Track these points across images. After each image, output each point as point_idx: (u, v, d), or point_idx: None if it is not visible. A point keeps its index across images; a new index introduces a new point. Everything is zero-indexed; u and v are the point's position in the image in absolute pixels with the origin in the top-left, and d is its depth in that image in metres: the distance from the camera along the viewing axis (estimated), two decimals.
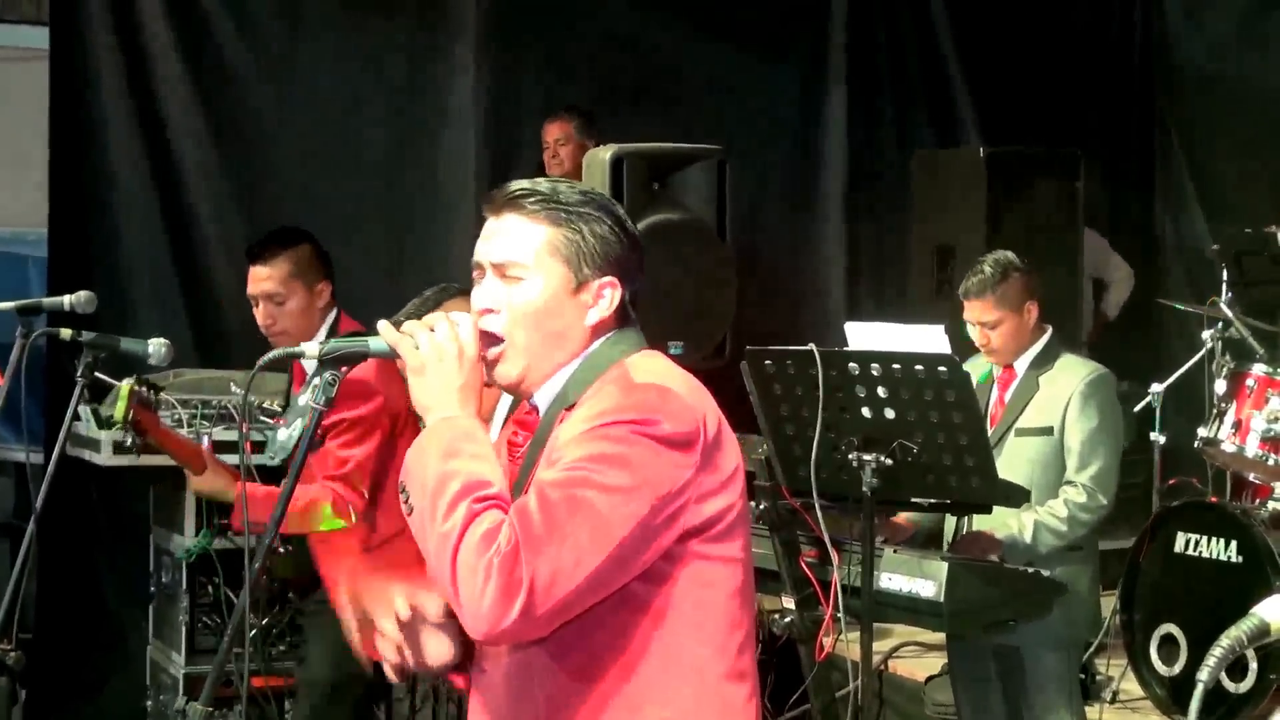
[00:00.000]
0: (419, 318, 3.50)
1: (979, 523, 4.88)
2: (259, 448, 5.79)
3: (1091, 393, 4.94)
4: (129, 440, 4.35)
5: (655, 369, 2.51)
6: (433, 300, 4.06)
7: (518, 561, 2.30)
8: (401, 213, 7.71)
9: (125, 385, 4.33)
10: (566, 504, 2.34)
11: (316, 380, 4.60)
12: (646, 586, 2.43)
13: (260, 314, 4.76)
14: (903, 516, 5.04)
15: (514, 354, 2.52)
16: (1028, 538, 4.82)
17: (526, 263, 2.51)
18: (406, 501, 2.42)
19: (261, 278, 4.76)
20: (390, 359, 2.53)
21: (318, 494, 4.58)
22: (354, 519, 4.63)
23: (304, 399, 4.67)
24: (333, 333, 4.73)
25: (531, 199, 2.53)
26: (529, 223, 2.53)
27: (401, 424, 4.74)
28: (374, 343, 2.54)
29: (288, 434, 4.69)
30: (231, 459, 5.39)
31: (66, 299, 4.49)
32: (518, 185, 2.56)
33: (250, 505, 4.55)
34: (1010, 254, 5.09)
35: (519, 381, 2.55)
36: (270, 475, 4.88)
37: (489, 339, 2.52)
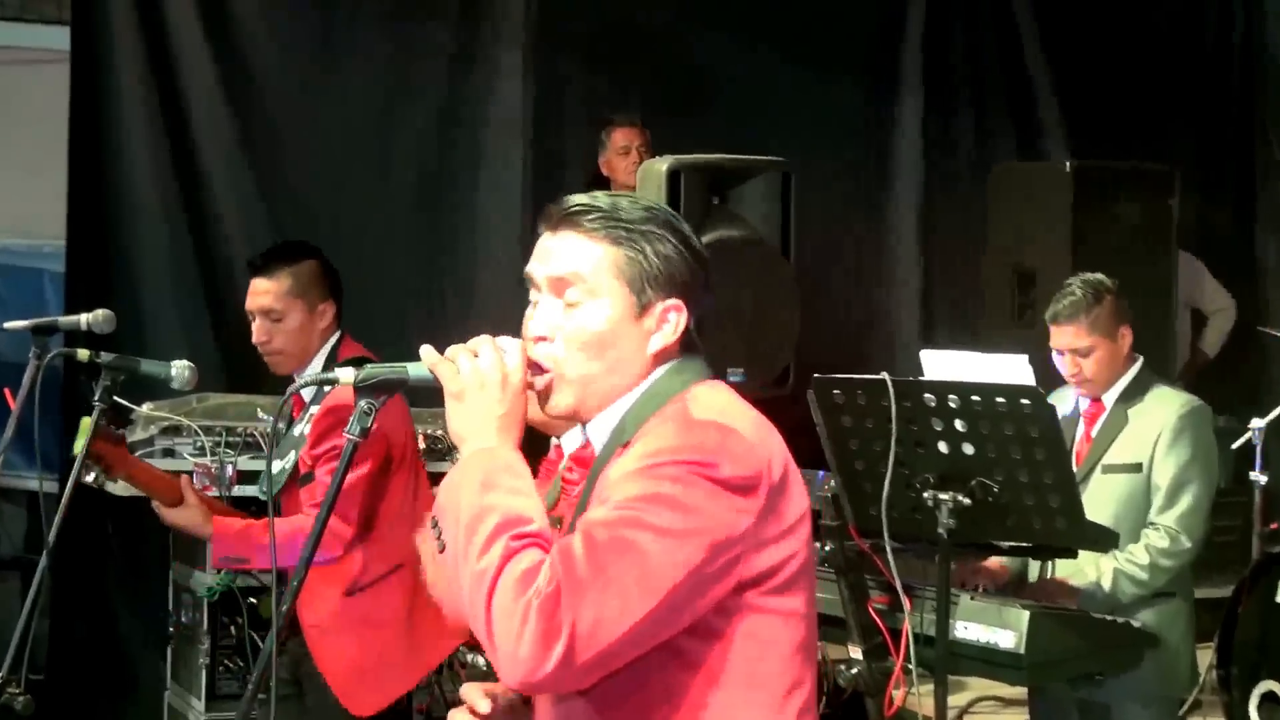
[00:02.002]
0: None
1: (1066, 569, 4.84)
2: (247, 478, 5.82)
3: (1185, 426, 4.91)
4: (92, 476, 4.36)
5: (717, 403, 2.48)
6: None
7: (559, 605, 2.28)
8: (441, 230, 7.72)
9: (85, 420, 4.32)
10: (613, 546, 2.32)
11: (315, 410, 4.62)
12: (698, 642, 2.41)
13: (256, 330, 4.77)
14: (996, 561, 5.01)
15: (565, 385, 2.51)
16: (1107, 586, 4.79)
17: (589, 280, 2.49)
18: (439, 537, 2.41)
19: (260, 291, 4.77)
20: (430, 386, 2.51)
21: (301, 523, 4.56)
22: (340, 551, 4.61)
23: (297, 429, 4.71)
24: (333, 358, 4.73)
25: (591, 215, 2.51)
26: (588, 241, 2.51)
27: (398, 458, 4.73)
28: (413, 369, 2.53)
29: (280, 466, 4.72)
30: (254, 490, 5.41)
31: (84, 317, 4.51)
32: (576, 200, 2.54)
33: (223, 542, 4.57)
34: (1101, 275, 5.07)
35: (574, 411, 2.54)
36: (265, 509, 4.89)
37: (538, 369, 2.51)
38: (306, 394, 4.75)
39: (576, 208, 2.53)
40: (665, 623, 2.35)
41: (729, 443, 2.40)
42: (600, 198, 2.54)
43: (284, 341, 4.75)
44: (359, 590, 4.72)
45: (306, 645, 4.81)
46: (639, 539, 2.32)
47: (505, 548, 2.32)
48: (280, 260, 4.80)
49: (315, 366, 4.75)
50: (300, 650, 4.88)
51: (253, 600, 5.96)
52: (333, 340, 4.81)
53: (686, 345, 2.54)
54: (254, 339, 4.78)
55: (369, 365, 2.57)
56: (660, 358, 2.52)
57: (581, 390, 2.51)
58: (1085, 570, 4.80)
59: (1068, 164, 7.22)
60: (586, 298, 2.49)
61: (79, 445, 4.28)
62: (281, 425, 4.81)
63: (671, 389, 2.50)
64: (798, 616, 2.48)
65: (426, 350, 2.52)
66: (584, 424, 2.57)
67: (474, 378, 2.45)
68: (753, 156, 5.07)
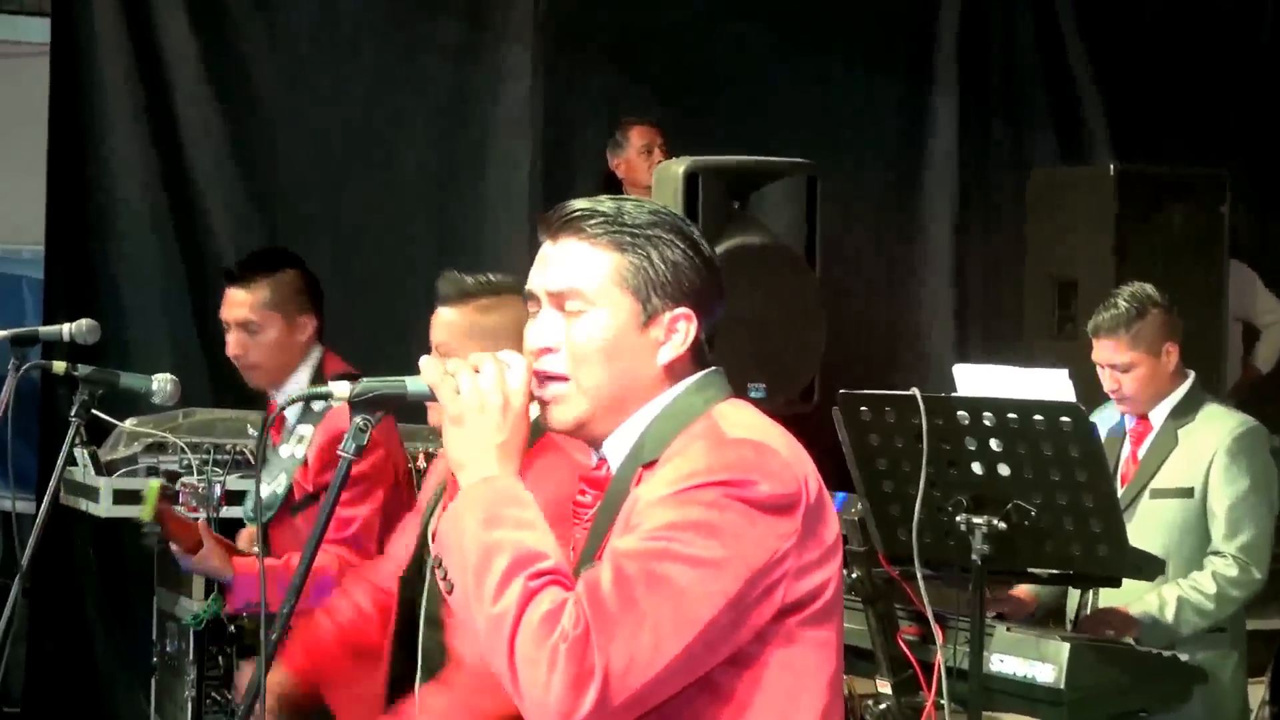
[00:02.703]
0: (465, 297, 3.57)
1: (1110, 598, 4.83)
2: (236, 498, 5.82)
3: (1240, 449, 4.90)
4: (153, 539, 4.42)
5: (748, 421, 2.48)
6: (488, 287, 3.74)
7: (588, 647, 2.27)
8: (446, 236, 7.74)
9: (153, 484, 4.43)
10: (645, 579, 2.30)
11: (303, 430, 4.62)
12: (730, 671, 2.39)
13: (231, 342, 4.78)
14: (1023, 589, 5.00)
15: (575, 396, 2.49)
16: (1169, 616, 4.77)
17: (588, 294, 2.48)
18: (445, 578, 2.39)
19: (235, 302, 4.77)
20: (429, 401, 2.50)
21: (323, 562, 4.50)
22: None
23: (285, 449, 4.70)
24: (317, 374, 4.73)
25: (593, 221, 2.50)
26: (590, 248, 2.50)
27: (392, 480, 4.72)
28: (411, 383, 2.52)
29: (270, 490, 4.72)
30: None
31: (66, 328, 4.51)
32: (577, 205, 2.53)
33: (246, 585, 4.56)
34: (1149, 287, 5.07)
35: (578, 427, 2.52)
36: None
37: (546, 379, 2.49)
38: (290, 413, 4.75)
39: (577, 213, 2.52)
40: (703, 657, 2.35)
41: (766, 461, 2.39)
42: (604, 201, 2.53)
43: (260, 355, 4.75)
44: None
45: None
46: (671, 572, 2.31)
47: (523, 589, 2.31)
48: (258, 270, 4.80)
49: (296, 382, 4.75)
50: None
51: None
52: (315, 356, 4.80)
53: (698, 356, 2.54)
54: (228, 351, 4.79)
55: (364, 379, 2.55)
56: (672, 369, 2.51)
57: (590, 404, 2.49)
58: (1146, 598, 4.78)
59: (1111, 168, 7.22)
60: (590, 307, 2.48)
61: (146, 512, 4.43)
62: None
63: (694, 407, 2.49)
64: (830, 648, 2.48)
65: (427, 362, 2.51)
66: (588, 442, 2.56)
67: (473, 399, 2.44)
68: (776, 159, 5.06)
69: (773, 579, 2.37)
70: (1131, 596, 4.78)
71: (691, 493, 2.35)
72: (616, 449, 2.53)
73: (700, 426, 2.45)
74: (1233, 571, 4.84)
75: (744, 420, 2.48)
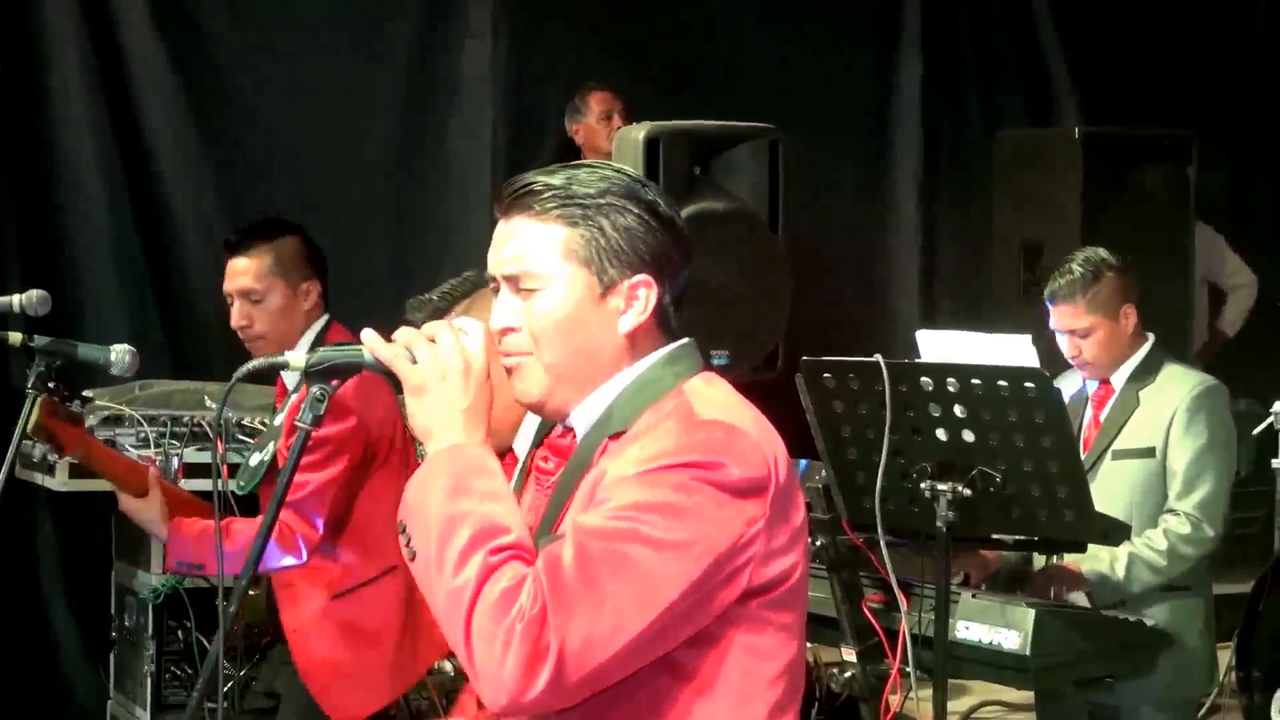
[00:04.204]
0: (439, 314, 3.52)
1: (1071, 557, 4.87)
2: (195, 471, 5.82)
3: (1199, 407, 4.94)
4: (39, 454, 4.34)
5: (719, 400, 2.48)
6: (455, 293, 3.90)
7: (544, 625, 2.28)
8: (408, 201, 7.74)
9: (39, 398, 4.31)
10: (608, 560, 2.32)
11: (294, 398, 4.63)
12: (693, 652, 2.41)
13: (235, 313, 4.78)
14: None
15: (535, 369, 2.50)
16: (1120, 573, 4.81)
17: (540, 272, 2.49)
18: (408, 544, 2.40)
19: (238, 271, 4.78)
20: (386, 373, 2.51)
21: None
22: (304, 556, 4.60)
23: (279, 419, 4.71)
24: (319, 341, 4.73)
25: (542, 196, 2.50)
26: (539, 224, 2.50)
27: (382, 455, 4.73)
28: (370, 353, 2.52)
29: (259, 459, 4.72)
30: (205, 484, 5.40)
31: (16, 299, 4.51)
32: (526, 180, 2.53)
33: (179, 545, 4.57)
34: (1102, 250, 5.09)
35: (542, 401, 2.53)
36: (248, 507, 4.89)
37: (509, 357, 2.51)
38: (289, 381, 4.76)
39: (524, 188, 2.52)
40: (662, 638, 2.36)
41: (736, 443, 2.40)
42: (556, 173, 2.52)
43: (266, 324, 4.75)
44: (346, 594, 4.74)
45: (290, 654, 4.83)
46: (635, 553, 2.32)
47: (483, 564, 2.32)
48: (259, 237, 4.81)
49: (300, 350, 4.75)
50: (281, 659, 4.90)
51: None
52: (320, 324, 4.81)
53: (664, 322, 2.54)
54: (233, 323, 4.79)
55: (321, 349, 2.56)
56: (635, 338, 2.51)
57: (552, 377, 2.50)
58: (1099, 554, 4.82)
59: (1077, 130, 7.25)
60: (542, 285, 2.49)
61: (31, 422, 4.27)
62: (263, 415, 4.80)
63: (664, 380, 2.50)
64: (793, 630, 2.50)
65: (370, 336, 2.51)
66: (556, 417, 2.57)
67: (434, 368, 2.45)
68: (739, 123, 5.07)
69: (737, 563, 2.38)
70: (1085, 554, 4.82)
71: (660, 474, 2.36)
72: (583, 418, 2.53)
73: (671, 404, 2.46)
74: (1185, 529, 4.87)
75: (715, 399, 2.48)
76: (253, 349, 4.77)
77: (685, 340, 2.56)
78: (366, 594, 4.74)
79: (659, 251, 2.53)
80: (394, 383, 2.49)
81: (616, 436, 2.46)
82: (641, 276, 2.51)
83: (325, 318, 4.85)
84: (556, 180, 2.51)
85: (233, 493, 4.75)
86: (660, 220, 2.53)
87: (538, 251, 2.49)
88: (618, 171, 2.56)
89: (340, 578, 4.73)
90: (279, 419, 4.72)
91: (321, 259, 4.89)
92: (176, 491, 4.84)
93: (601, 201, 2.50)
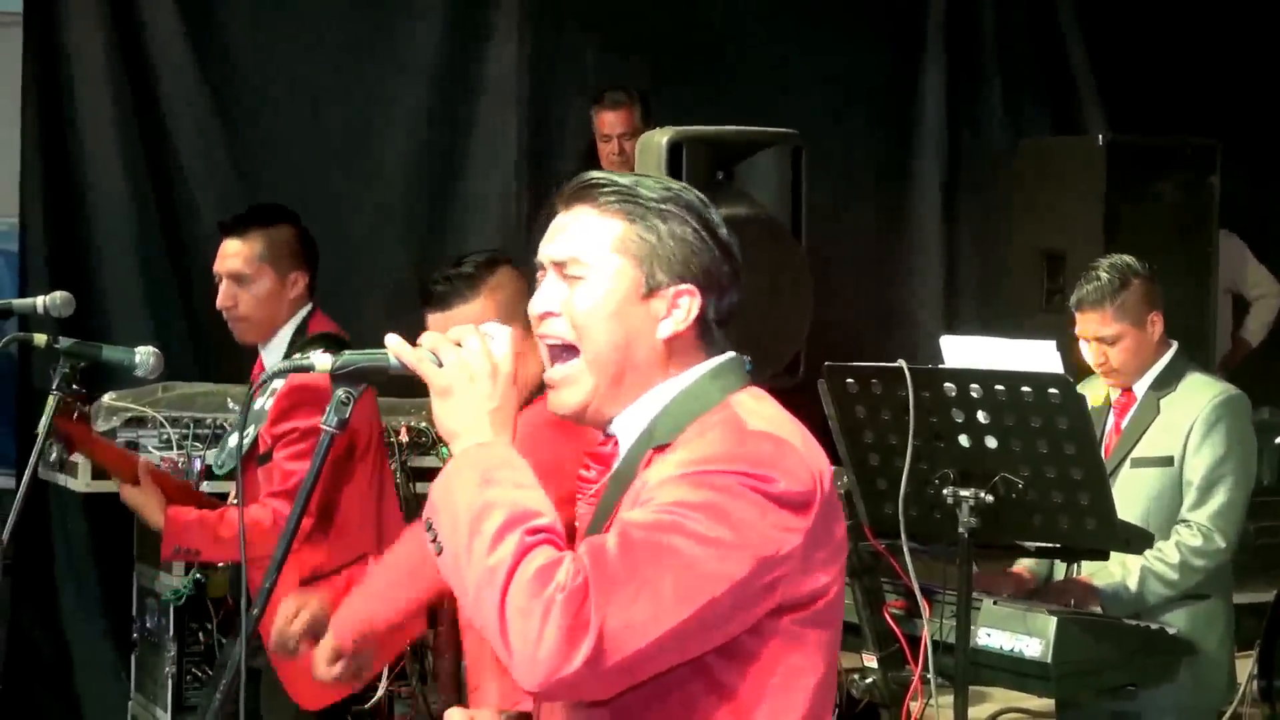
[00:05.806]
0: (468, 281, 3.51)
1: (1085, 570, 4.87)
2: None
3: (1218, 417, 4.94)
4: (54, 455, 4.37)
5: (767, 414, 2.49)
6: (472, 275, 3.79)
7: (585, 600, 2.26)
8: (431, 204, 7.74)
9: (51, 397, 4.35)
10: (650, 549, 2.31)
11: (276, 384, 4.66)
12: (726, 663, 2.41)
13: (221, 293, 4.83)
14: (1024, 565, 5.03)
15: (582, 374, 2.50)
16: (1133, 586, 4.82)
17: (589, 260, 2.50)
18: (434, 540, 2.39)
19: (229, 253, 4.83)
20: (412, 376, 2.51)
21: (257, 514, 4.59)
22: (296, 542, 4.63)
23: (259, 403, 4.75)
24: (302, 330, 4.80)
25: (605, 189, 2.53)
26: (600, 217, 2.52)
27: (362, 447, 4.77)
28: (395, 357, 2.52)
29: (238, 439, 4.76)
30: (227, 486, 5.42)
31: (40, 300, 4.54)
32: (594, 175, 2.56)
33: (175, 531, 4.61)
34: (1129, 257, 5.09)
35: (584, 407, 2.53)
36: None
37: (557, 352, 2.52)
38: (267, 366, 4.79)
39: (592, 181, 2.55)
40: (698, 636, 2.35)
41: (783, 456, 2.41)
42: (621, 175, 2.56)
43: (250, 308, 4.81)
44: (316, 579, 4.74)
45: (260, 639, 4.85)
46: (679, 544, 2.31)
47: (519, 543, 2.30)
48: (254, 222, 4.86)
49: (282, 338, 4.80)
50: (254, 642, 4.91)
51: (199, 577, 5.95)
52: (303, 312, 4.85)
53: (706, 337, 2.54)
54: (218, 303, 4.84)
55: (346, 352, 2.56)
56: (674, 346, 2.52)
57: (595, 377, 2.50)
58: (1110, 569, 4.82)
59: (1100, 139, 7.23)
60: (590, 271, 2.50)
61: (42, 424, 4.31)
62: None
63: (710, 394, 2.50)
64: (826, 649, 2.50)
65: (394, 341, 2.52)
66: (596, 424, 2.57)
67: (461, 371, 2.45)
68: (762, 128, 5.08)
69: (778, 572, 2.38)
70: (1097, 567, 4.82)
71: (706, 476, 2.36)
72: (627, 429, 2.54)
73: (718, 415, 2.46)
74: (1196, 541, 4.87)
75: (763, 413, 2.49)
76: (234, 330, 4.86)
77: (731, 354, 2.56)
78: (336, 581, 4.76)
79: (710, 267, 2.54)
80: (419, 383, 2.50)
81: (662, 449, 2.46)
82: (687, 286, 2.52)
83: (309, 306, 4.88)
84: (623, 180, 2.55)
85: (210, 469, 4.79)
86: (716, 239, 2.55)
87: (591, 240, 2.51)
88: (684, 187, 2.59)
89: (311, 563, 4.75)
90: (258, 403, 4.75)
91: (314, 251, 4.94)
92: (169, 479, 4.86)
93: (663, 207, 2.53)
